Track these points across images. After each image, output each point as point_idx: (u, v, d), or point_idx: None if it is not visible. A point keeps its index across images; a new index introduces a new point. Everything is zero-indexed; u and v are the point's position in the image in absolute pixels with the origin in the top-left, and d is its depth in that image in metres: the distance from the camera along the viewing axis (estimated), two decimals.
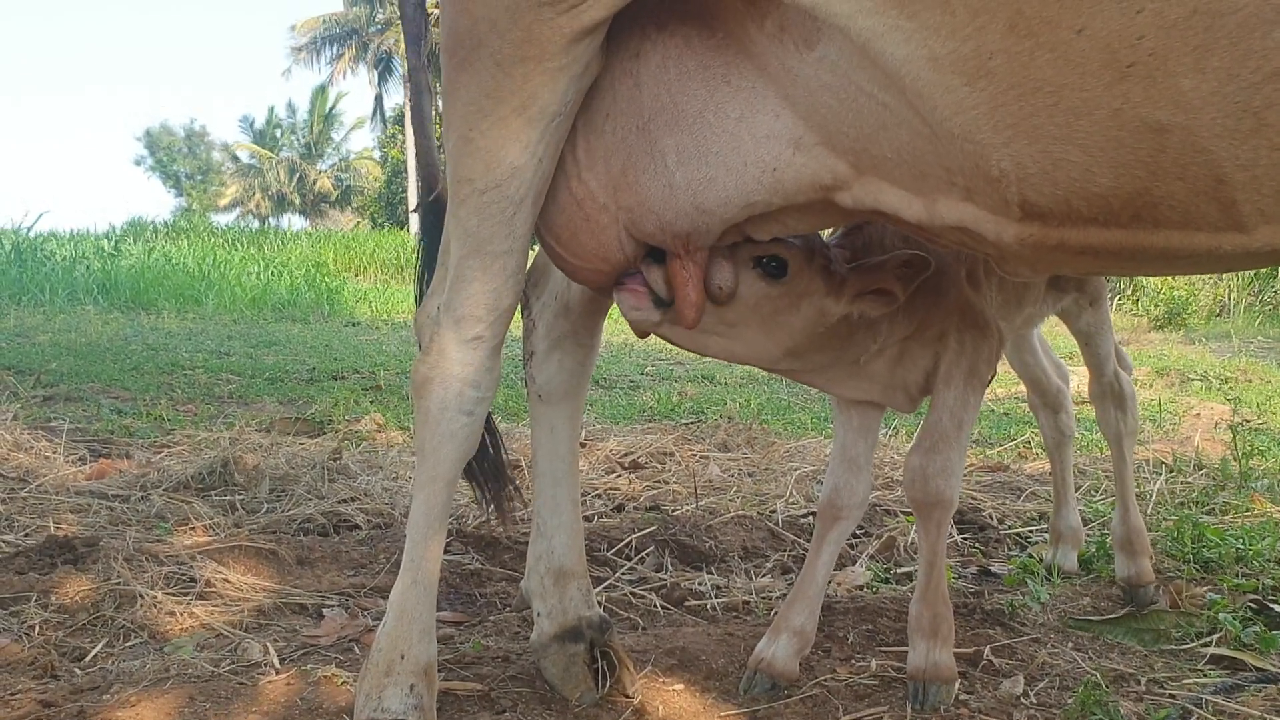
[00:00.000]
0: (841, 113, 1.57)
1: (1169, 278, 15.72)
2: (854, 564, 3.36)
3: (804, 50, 1.57)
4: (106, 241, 22.77)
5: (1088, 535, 3.57)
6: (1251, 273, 17.38)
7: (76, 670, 2.40)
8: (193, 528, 3.48)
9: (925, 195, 1.60)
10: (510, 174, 1.79)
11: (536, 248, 2.25)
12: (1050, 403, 3.44)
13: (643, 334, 2.07)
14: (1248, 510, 4.07)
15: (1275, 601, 2.97)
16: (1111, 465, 3.32)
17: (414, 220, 44.43)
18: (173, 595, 2.83)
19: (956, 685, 2.36)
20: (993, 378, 2.73)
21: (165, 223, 32.64)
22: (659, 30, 1.74)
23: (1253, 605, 2.94)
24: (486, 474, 2.60)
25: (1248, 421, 5.16)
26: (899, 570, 3.36)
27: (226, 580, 2.96)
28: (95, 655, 2.49)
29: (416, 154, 2.44)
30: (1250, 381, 8.96)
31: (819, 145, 1.64)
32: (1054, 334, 7.38)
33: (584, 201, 1.86)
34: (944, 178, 1.54)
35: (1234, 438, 4.77)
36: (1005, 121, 1.40)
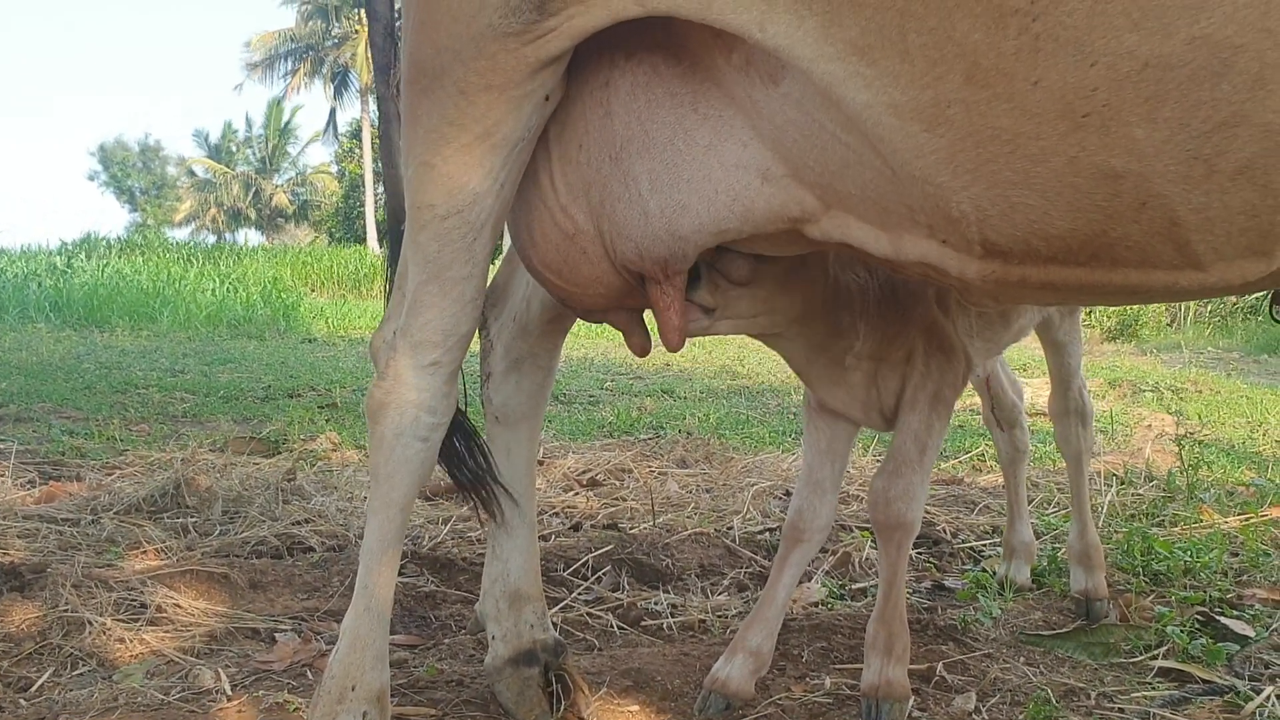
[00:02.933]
0: (807, 148, 1.60)
1: None
2: (809, 580, 3.38)
3: (769, 85, 1.59)
4: (59, 258, 22.47)
5: (1039, 549, 3.61)
6: None
7: (22, 701, 2.36)
8: (144, 551, 3.43)
9: (891, 231, 1.63)
10: (472, 200, 1.80)
11: (493, 267, 2.25)
12: (1007, 417, 3.47)
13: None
14: (1196, 522, 4.14)
15: (1222, 613, 3.03)
16: (1069, 480, 3.36)
17: (372, 236, 44.26)
18: (122, 622, 2.79)
19: (910, 703, 2.38)
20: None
21: (119, 238, 32.23)
22: (627, 59, 1.76)
23: (1200, 617, 2.99)
24: (467, 481, 2.51)
25: (1192, 434, 5.25)
26: (854, 586, 3.38)
27: (178, 605, 2.93)
28: (42, 685, 2.44)
29: (385, 183, 2.42)
30: (1200, 392, 9.12)
31: (787, 177, 1.67)
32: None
33: (575, 236, 1.87)
34: (907, 215, 1.57)
35: (1180, 450, 4.85)
36: (964, 166, 1.44)
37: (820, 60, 1.45)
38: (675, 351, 1.98)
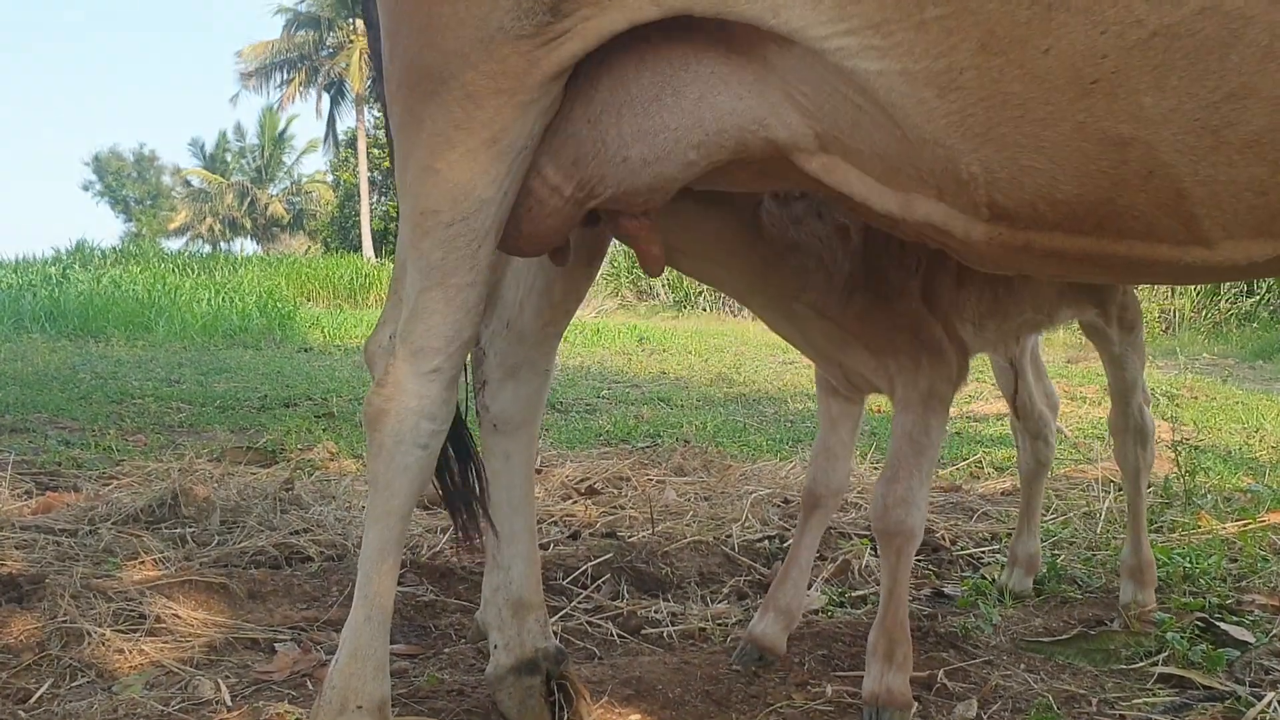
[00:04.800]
0: (818, 101, 1.62)
1: None
2: (809, 588, 3.37)
3: (784, 48, 1.60)
4: (55, 269, 22.43)
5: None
6: (1196, 290, 17.75)
7: (20, 712, 2.35)
8: (142, 562, 3.42)
9: (899, 189, 1.65)
10: (478, 206, 1.79)
11: None
12: (1032, 429, 3.46)
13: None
14: (1194, 528, 4.14)
15: (1222, 619, 3.03)
16: (1126, 497, 3.36)
17: (367, 245, 44.23)
18: (121, 632, 2.78)
19: (912, 711, 2.38)
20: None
21: (114, 248, 32.18)
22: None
23: (1200, 624, 2.99)
24: (456, 496, 2.50)
25: (1188, 440, 5.26)
26: (854, 594, 3.37)
27: (176, 616, 2.92)
28: (40, 696, 2.43)
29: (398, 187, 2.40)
30: (1196, 398, 9.12)
31: (785, 103, 1.66)
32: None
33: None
34: (915, 175, 1.60)
35: (1176, 456, 4.85)
36: (974, 130, 1.47)
37: (834, 37, 1.48)
38: (657, 276, 2.00)
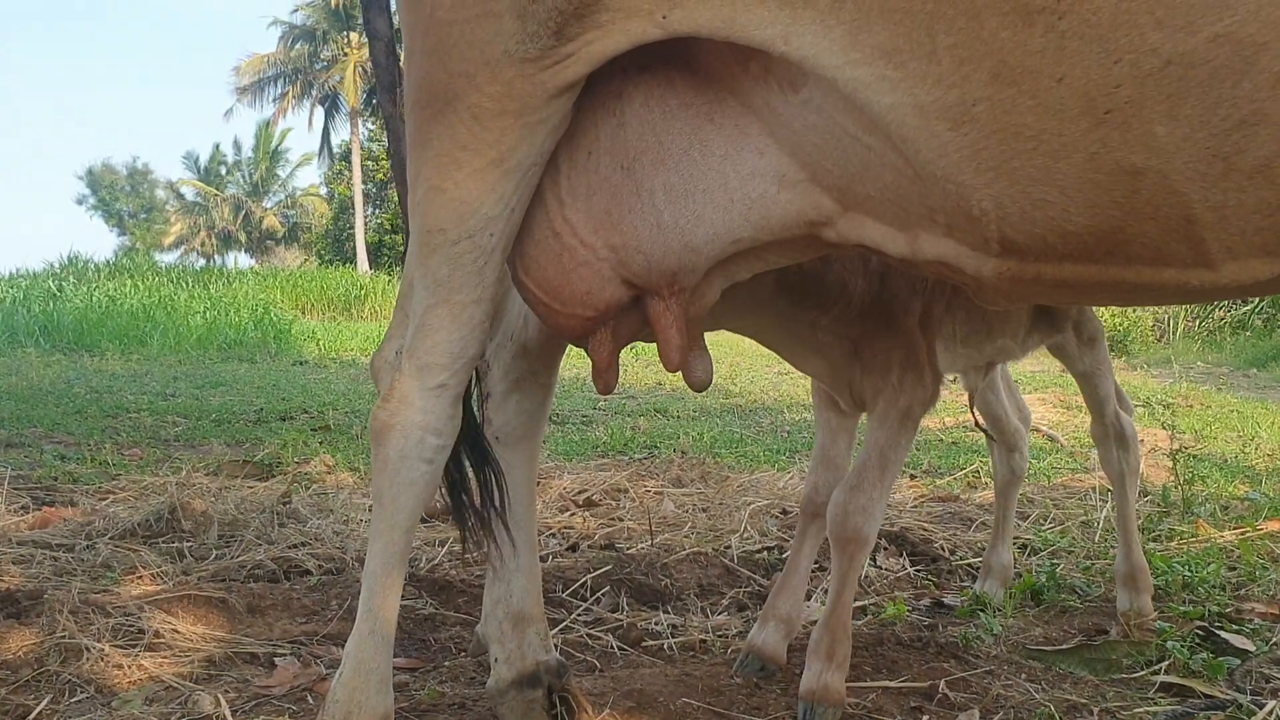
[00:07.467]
0: (826, 151, 1.61)
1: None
2: (808, 599, 3.37)
3: (789, 92, 1.60)
4: (52, 283, 22.37)
5: (1037, 565, 3.62)
6: None
7: None
8: (140, 576, 3.41)
9: (908, 231, 1.65)
10: (484, 224, 1.79)
11: None
12: (1006, 441, 3.50)
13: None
14: (1193, 536, 4.15)
15: (1221, 628, 3.03)
16: (1114, 502, 3.39)
17: (362, 258, 44.22)
18: (120, 647, 2.77)
19: (844, 709, 2.41)
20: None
21: (108, 262, 32.10)
22: (641, 71, 1.75)
23: (1200, 632, 3.00)
24: (467, 509, 2.46)
25: (1186, 448, 5.27)
26: (853, 604, 3.37)
27: (175, 630, 2.91)
28: (40, 712, 2.42)
29: (400, 200, 2.40)
30: (1191, 407, 9.15)
31: (805, 181, 1.68)
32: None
33: (574, 249, 1.85)
34: (926, 215, 1.60)
35: (1174, 465, 4.86)
36: (987, 164, 1.46)
37: (846, 67, 1.47)
38: (675, 371, 1.96)
